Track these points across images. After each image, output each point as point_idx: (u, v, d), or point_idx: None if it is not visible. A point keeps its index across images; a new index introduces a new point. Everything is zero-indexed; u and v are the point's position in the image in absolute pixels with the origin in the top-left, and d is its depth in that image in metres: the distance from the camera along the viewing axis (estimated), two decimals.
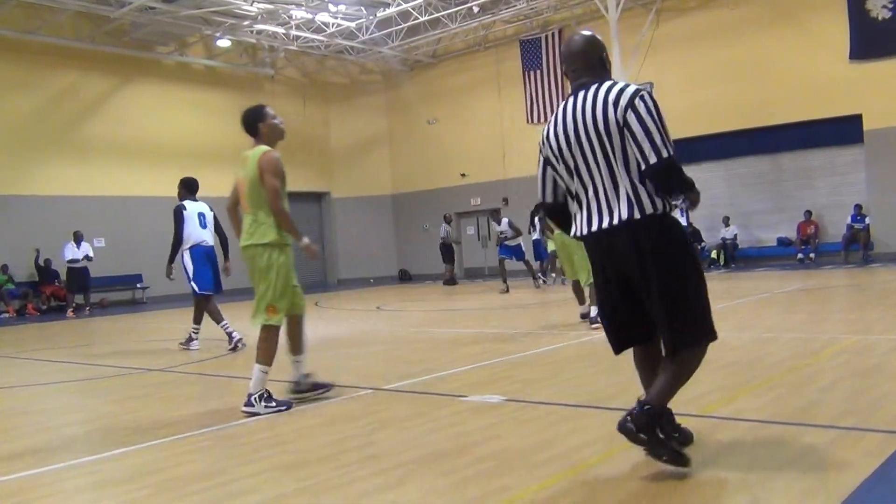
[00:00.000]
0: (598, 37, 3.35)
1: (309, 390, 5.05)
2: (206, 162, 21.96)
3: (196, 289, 8.43)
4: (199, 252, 8.45)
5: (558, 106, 3.29)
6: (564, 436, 3.76)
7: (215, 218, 8.72)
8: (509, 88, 22.61)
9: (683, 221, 15.32)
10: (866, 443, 3.29)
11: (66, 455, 4.08)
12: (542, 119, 21.24)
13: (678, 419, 3.27)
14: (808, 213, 17.91)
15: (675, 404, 3.29)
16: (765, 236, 19.05)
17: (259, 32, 20.97)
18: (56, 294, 18.69)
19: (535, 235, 16.62)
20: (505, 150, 22.60)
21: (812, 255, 17.64)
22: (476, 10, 20.77)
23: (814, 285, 12.09)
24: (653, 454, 3.01)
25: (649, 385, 3.34)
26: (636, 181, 3.05)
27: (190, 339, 8.58)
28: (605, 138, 3.06)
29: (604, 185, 3.11)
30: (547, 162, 3.34)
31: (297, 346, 5.12)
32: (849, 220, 17.36)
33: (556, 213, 3.42)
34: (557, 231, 8.18)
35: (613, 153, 3.07)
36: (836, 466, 3.01)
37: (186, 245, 8.45)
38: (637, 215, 3.03)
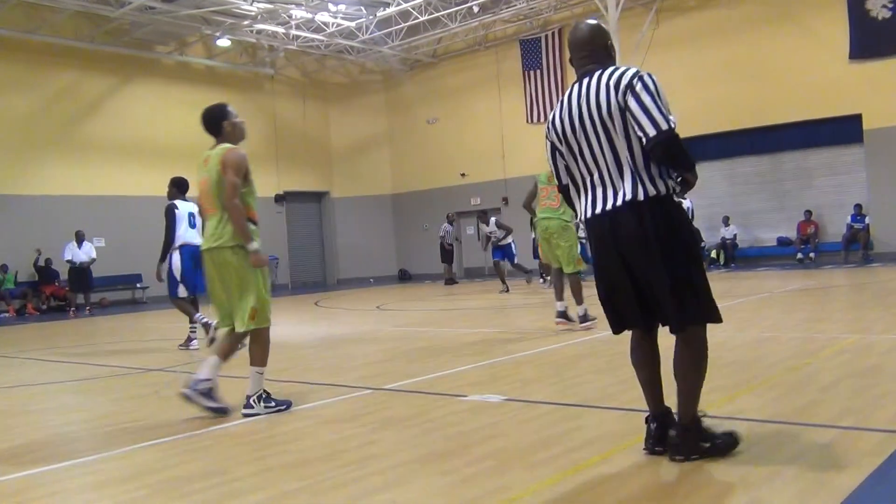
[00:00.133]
0: (604, 25, 3.40)
1: (204, 395, 4.64)
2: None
3: (185, 291, 8.46)
4: (188, 252, 8.33)
5: (564, 93, 3.35)
6: (564, 435, 3.76)
7: None
8: (509, 88, 22.62)
9: None
10: (866, 442, 3.29)
11: (66, 455, 4.08)
12: (542, 119, 21.24)
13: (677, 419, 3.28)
14: (808, 212, 17.92)
15: (675, 403, 3.29)
16: (765, 236, 19.05)
17: (259, 32, 20.96)
18: (56, 294, 18.69)
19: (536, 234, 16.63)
20: (505, 150, 22.60)
21: (812, 254, 17.65)
22: (476, 9, 20.77)
23: (814, 285, 12.09)
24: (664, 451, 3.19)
25: (647, 384, 3.34)
26: (639, 164, 3.10)
27: (189, 340, 8.58)
28: (608, 121, 3.12)
29: (608, 168, 3.17)
30: (554, 147, 3.40)
31: (225, 356, 4.83)
32: (849, 219, 17.37)
33: (571, 194, 3.46)
34: (540, 219, 8.14)
35: (617, 136, 3.12)
36: (835, 466, 3.01)
37: (176, 245, 8.43)
38: (641, 196, 3.08)
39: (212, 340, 8.20)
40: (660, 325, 3.30)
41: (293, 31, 20.92)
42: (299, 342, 9.08)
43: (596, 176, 3.22)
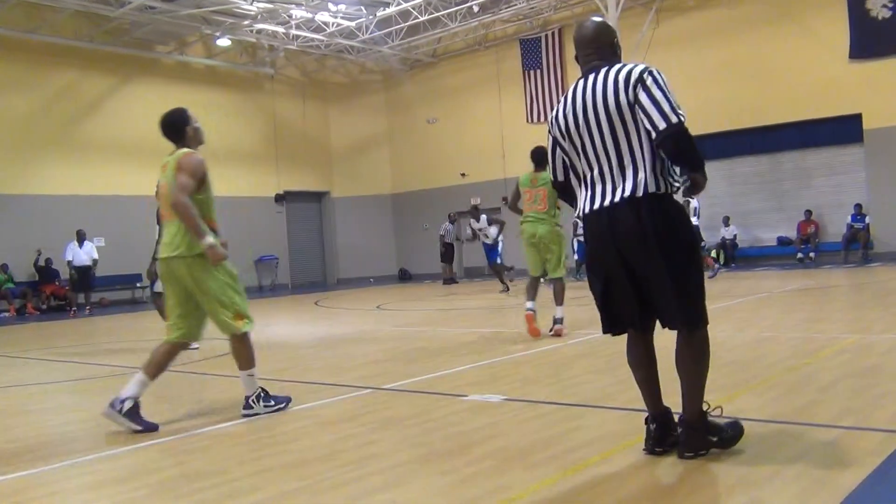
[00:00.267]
0: (610, 23, 3.42)
1: (125, 415, 4.36)
2: (205, 161, 22.01)
3: (161, 287, 8.54)
4: None
5: (568, 90, 3.34)
6: (564, 435, 3.75)
7: None
8: (509, 88, 22.61)
9: (695, 221, 15.30)
10: (866, 442, 3.29)
11: (65, 454, 4.07)
12: (542, 118, 21.24)
13: (677, 418, 3.28)
14: (808, 212, 17.92)
15: (674, 404, 3.29)
16: (765, 236, 19.05)
17: (259, 32, 20.96)
18: (56, 293, 18.69)
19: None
20: (505, 150, 22.59)
21: (812, 254, 17.65)
22: (476, 9, 20.77)
23: (813, 285, 12.09)
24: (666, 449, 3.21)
25: (645, 384, 3.33)
26: (641, 161, 3.10)
27: None
28: (614, 116, 3.11)
29: (609, 164, 3.17)
30: (556, 142, 3.39)
31: (154, 367, 4.58)
32: (849, 219, 17.37)
33: (568, 191, 3.46)
34: (526, 223, 7.70)
35: (621, 132, 3.12)
36: (835, 465, 3.00)
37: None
38: (640, 193, 3.08)
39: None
40: (657, 325, 3.29)
41: (293, 31, 20.92)
42: (299, 342, 9.08)
43: (596, 171, 3.22)
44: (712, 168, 18.96)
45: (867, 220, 17.16)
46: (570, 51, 20.33)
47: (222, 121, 22.19)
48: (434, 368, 6.08)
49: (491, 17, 21.35)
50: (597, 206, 3.20)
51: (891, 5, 16.53)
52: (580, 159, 3.28)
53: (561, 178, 3.44)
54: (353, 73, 25.96)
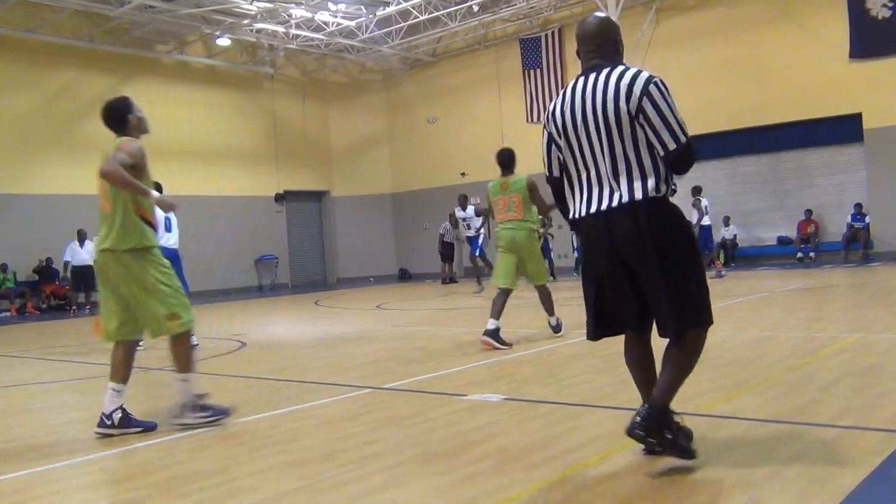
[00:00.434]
0: (614, 20, 3.36)
1: (119, 426, 4.30)
2: (205, 160, 22.00)
3: None
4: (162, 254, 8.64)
5: (567, 84, 3.28)
6: (563, 435, 3.75)
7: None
8: (509, 87, 22.60)
9: (707, 220, 15.32)
10: (866, 441, 3.29)
11: (66, 454, 4.07)
12: (542, 118, 21.21)
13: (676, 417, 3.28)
14: (809, 211, 17.91)
15: (674, 403, 3.29)
16: (765, 235, 19.05)
17: (259, 31, 20.95)
18: (56, 293, 18.69)
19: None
20: None
21: (812, 254, 17.64)
22: (476, 8, 20.75)
23: (814, 284, 12.09)
24: (661, 450, 3.07)
25: (643, 384, 3.33)
26: (638, 166, 3.07)
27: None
28: (612, 123, 3.08)
29: (606, 167, 3.13)
30: (551, 139, 3.35)
31: (121, 372, 4.39)
32: (849, 218, 17.36)
33: (561, 189, 3.41)
34: (504, 230, 7.24)
35: (619, 137, 3.08)
36: (835, 465, 3.01)
37: None
38: (638, 196, 3.05)
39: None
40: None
41: (293, 31, 20.90)
42: (299, 341, 9.09)
43: (593, 174, 3.18)
44: (712, 167, 19.00)
45: (867, 219, 17.15)
46: (570, 50, 20.33)
47: (222, 120, 22.19)
48: (434, 368, 6.08)
49: (491, 17, 21.34)
50: (593, 209, 3.17)
51: (891, 5, 16.52)
52: (576, 160, 3.24)
53: (556, 173, 3.39)
54: (353, 72, 25.95)
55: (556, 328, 7.50)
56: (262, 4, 18.87)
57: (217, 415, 4.43)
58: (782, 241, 18.54)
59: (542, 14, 21.62)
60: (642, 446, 3.26)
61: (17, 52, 18.55)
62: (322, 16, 20.28)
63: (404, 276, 25.37)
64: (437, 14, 20.61)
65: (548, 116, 3.36)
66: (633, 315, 3.21)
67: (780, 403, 4.12)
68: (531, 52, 22.00)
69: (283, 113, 24.30)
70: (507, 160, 7.41)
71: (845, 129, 17.38)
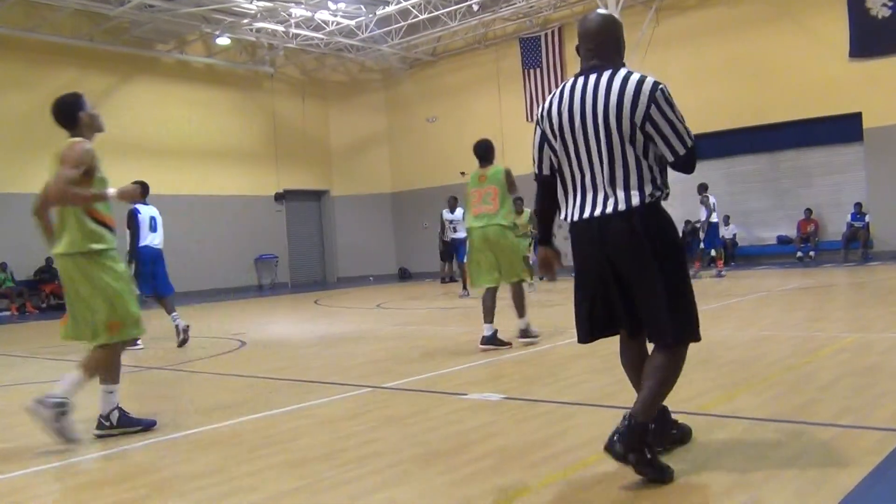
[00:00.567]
0: (617, 17, 3.29)
1: (119, 426, 4.29)
2: (205, 160, 22.00)
3: (136, 289, 8.72)
4: (148, 254, 8.85)
5: (565, 82, 3.19)
6: (563, 434, 3.76)
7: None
8: (509, 86, 22.59)
9: (715, 217, 15.34)
10: (865, 441, 3.29)
11: (66, 454, 4.07)
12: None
13: (676, 417, 3.28)
14: (808, 211, 17.91)
15: (673, 403, 3.29)
16: (764, 234, 19.05)
17: (258, 30, 20.94)
18: (56, 292, 18.68)
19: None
20: (504, 149, 22.50)
21: (812, 253, 17.65)
22: (476, 8, 20.74)
23: (813, 283, 12.09)
24: (638, 471, 2.93)
25: (640, 385, 3.32)
26: (635, 171, 3.01)
27: (133, 341, 8.75)
28: (614, 130, 3.00)
29: (603, 173, 3.05)
30: (545, 137, 3.26)
31: (114, 374, 4.33)
32: (848, 218, 17.36)
33: (550, 189, 3.31)
34: (474, 227, 6.99)
35: (619, 145, 3.01)
36: (835, 464, 3.01)
37: (137, 247, 8.86)
38: (636, 202, 2.99)
39: (183, 342, 8.56)
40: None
41: (293, 30, 20.89)
42: (299, 341, 9.09)
43: (588, 178, 3.10)
44: (712, 167, 18.98)
45: (867, 218, 17.15)
46: (570, 50, 20.31)
47: (222, 119, 22.17)
48: (434, 367, 6.08)
49: (491, 16, 21.33)
50: (587, 214, 3.09)
51: (890, 4, 16.51)
52: (570, 163, 3.15)
53: (547, 172, 3.30)
54: (353, 71, 25.94)
55: (525, 332, 6.99)
56: (261, 3, 18.86)
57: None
58: (782, 240, 18.54)
59: (542, 13, 21.61)
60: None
61: (16, 51, 18.55)
62: (322, 15, 20.28)
63: (404, 275, 25.37)
64: (436, 13, 20.60)
65: (542, 114, 3.25)
66: (624, 317, 3.13)
67: (779, 403, 4.12)
68: (531, 52, 21.99)
69: (283, 112, 24.29)
70: (484, 151, 7.16)
71: (845, 129, 17.38)
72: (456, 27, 21.51)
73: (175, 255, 19.08)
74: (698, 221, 16.12)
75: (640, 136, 3.00)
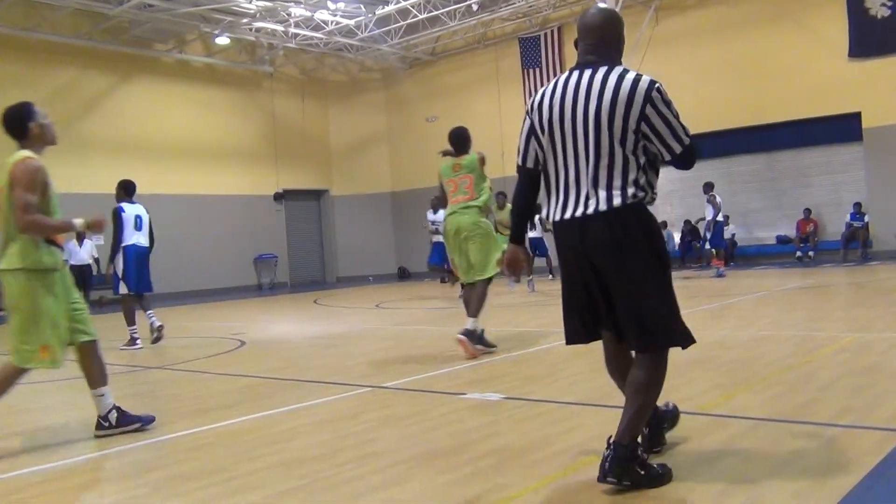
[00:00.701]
0: (618, 13, 3.17)
1: (118, 426, 4.28)
2: (205, 159, 21.97)
3: (125, 287, 8.91)
4: (133, 252, 8.98)
5: (559, 76, 3.14)
6: (563, 434, 3.76)
7: (150, 221, 9.30)
8: (508, 86, 22.60)
9: (721, 216, 15.35)
10: (865, 441, 3.29)
11: (66, 453, 4.07)
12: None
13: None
14: (808, 210, 17.92)
15: (666, 398, 3.29)
16: (764, 234, 19.05)
17: (258, 30, 20.93)
18: None
19: (534, 234, 16.55)
20: (504, 148, 22.50)
21: (811, 253, 17.65)
22: (475, 7, 20.73)
23: (813, 283, 12.10)
24: (636, 488, 2.89)
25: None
26: (619, 171, 2.94)
27: (133, 341, 8.79)
28: (605, 129, 2.94)
29: (587, 172, 2.99)
30: (532, 129, 3.22)
31: (95, 377, 4.30)
32: (848, 217, 17.37)
33: (533, 182, 3.29)
34: (449, 215, 6.74)
35: (608, 145, 2.95)
36: (834, 464, 3.01)
37: (121, 245, 9.01)
38: (617, 202, 2.92)
39: (156, 339, 8.77)
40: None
41: (292, 29, 20.88)
42: (299, 340, 9.09)
43: (572, 175, 3.04)
44: (711, 167, 18.98)
45: (866, 218, 17.16)
46: (570, 49, 20.32)
47: (221, 119, 22.15)
48: (433, 367, 6.08)
49: (490, 16, 21.32)
50: (568, 215, 3.03)
51: (890, 4, 16.52)
52: (556, 158, 3.09)
53: (530, 164, 3.26)
54: (353, 71, 25.94)
55: (471, 333, 6.36)
56: (261, 3, 18.85)
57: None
58: (781, 240, 18.55)
59: (542, 13, 21.61)
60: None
61: (15, 50, 18.53)
62: (321, 14, 20.27)
63: (403, 274, 25.38)
64: (436, 13, 20.60)
65: (532, 105, 3.20)
66: (611, 322, 3.09)
67: (779, 402, 4.12)
68: (530, 51, 22.00)
69: (283, 112, 24.28)
70: (460, 140, 6.75)
71: (844, 129, 17.38)
72: (455, 27, 21.50)
73: (175, 255, 19.24)
74: (699, 221, 16.12)
75: (631, 136, 2.94)
